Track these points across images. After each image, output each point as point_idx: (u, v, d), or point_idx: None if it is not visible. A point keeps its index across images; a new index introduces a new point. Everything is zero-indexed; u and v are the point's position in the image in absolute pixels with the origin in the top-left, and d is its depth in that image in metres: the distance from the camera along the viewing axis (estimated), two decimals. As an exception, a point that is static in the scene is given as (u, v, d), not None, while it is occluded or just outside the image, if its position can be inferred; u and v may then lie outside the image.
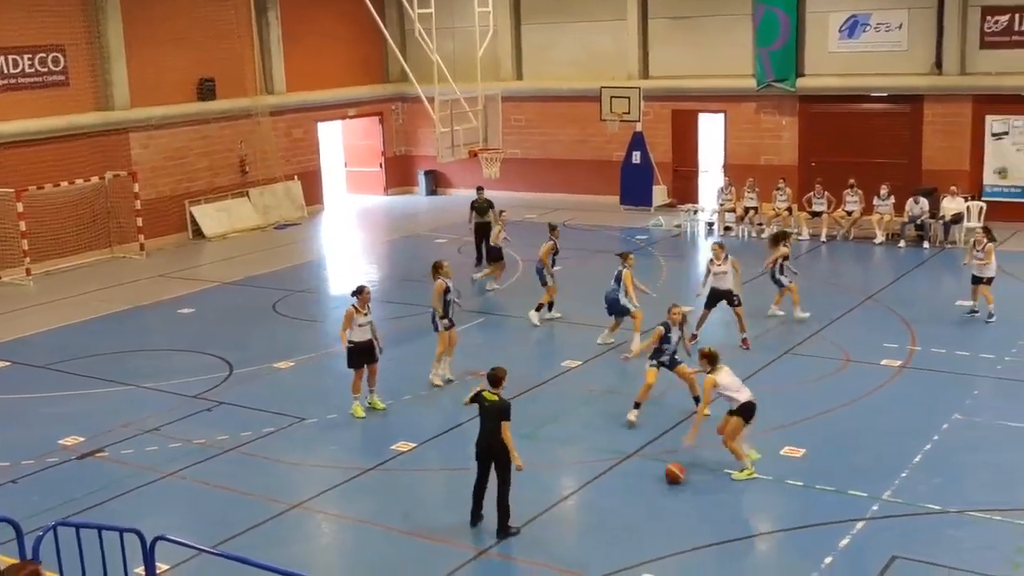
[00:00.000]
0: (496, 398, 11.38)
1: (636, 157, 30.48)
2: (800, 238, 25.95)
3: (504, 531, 11.31)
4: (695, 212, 28.52)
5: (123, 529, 8.72)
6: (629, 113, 29.68)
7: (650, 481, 12.65)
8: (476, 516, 11.60)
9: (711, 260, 17.91)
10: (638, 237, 26.02)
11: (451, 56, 26.22)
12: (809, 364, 16.70)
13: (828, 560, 10.62)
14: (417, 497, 12.68)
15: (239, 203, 29.73)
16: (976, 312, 18.68)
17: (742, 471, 12.55)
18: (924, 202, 25.22)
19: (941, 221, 25.16)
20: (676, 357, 14.56)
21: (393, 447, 13.91)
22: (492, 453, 11.31)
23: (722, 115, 30.26)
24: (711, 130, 31.10)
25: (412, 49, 30.07)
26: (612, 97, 29.83)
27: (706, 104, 30.45)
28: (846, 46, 28.26)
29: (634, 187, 30.50)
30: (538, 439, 14.01)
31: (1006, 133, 26.74)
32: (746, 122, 29.75)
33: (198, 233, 28.56)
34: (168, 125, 27.90)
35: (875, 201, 25.79)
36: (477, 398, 11.63)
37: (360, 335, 15.18)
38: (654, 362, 14.41)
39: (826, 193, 26.24)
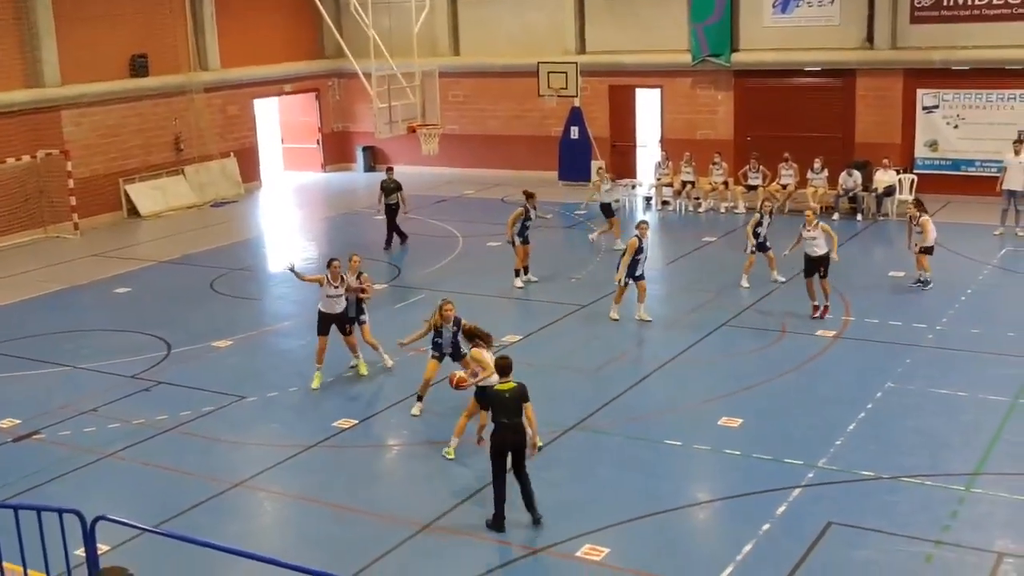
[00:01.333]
0: (512, 385, 10.98)
1: (574, 132, 30.58)
2: (736, 212, 26.29)
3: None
4: (633, 187, 28.69)
5: (62, 510, 8.64)
6: (567, 88, 29.75)
7: (591, 453, 12.79)
8: (500, 520, 10.96)
9: (803, 225, 18.03)
10: (577, 212, 26.14)
11: (387, 31, 26.08)
12: (746, 336, 16.93)
13: (766, 527, 10.82)
14: (361, 474, 12.70)
15: (175, 181, 29.37)
16: (926, 283, 19.03)
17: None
18: (857, 175, 25.62)
19: (874, 194, 25.57)
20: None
21: (335, 424, 13.91)
22: (509, 446, 10.89)
23: (659, 90, 30.42)
24: (648, 105, 31.27)
25: (348, 24, 29.87)
26: (549, 72, 29.87)
27: (643, 79, 30.59)
28: (780, 21, 28.53)
29: (573, 162, 30.61)
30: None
31: (936, 107, 27.19)
32: (682, 97, 29.95)
33: (133, 212, 28.19)
34: (101, 102, 27.46)
35: (809, 174, 26.14)
36: (486, 396, 11.26)
37: (328, 306, 15.27)
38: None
39: (761, 167, 26.54)
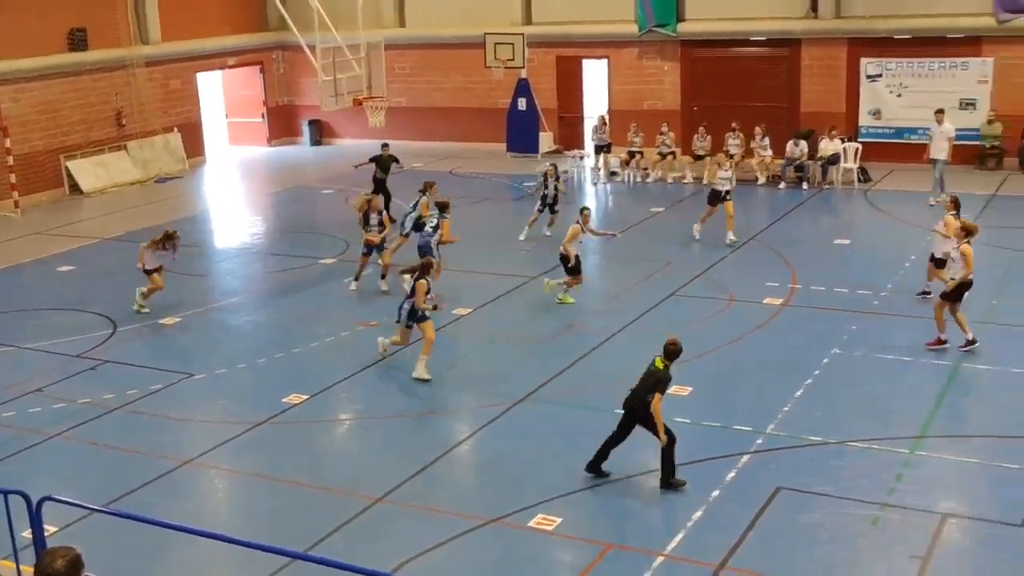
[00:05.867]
0: (660, 367, 10.99)
1: (522, 104, 30.50)
2: (685, 182, 26.44)
3: (667, 484, 11.06)
4: (581, 158, 28.71)
5: (7, 491, 8.52)
6: (513, 60, 29.65)
7: (543, 424, 12.84)
8: (594, 465, 11.29)
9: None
10: (525, 184, 26.10)
11: (332, 3, 25.80)
12: (695, 305, 17.04)
13: (716, 493, 10.94)
14: (311, 449, 12.64)
15: (117, 157, 28.91)
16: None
17: None
18: (803, 144, 25.82)
19: (819, 162, 25.79)
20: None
21: (285, 400, 13.83)
22: (635, 415, 11.03)
23: (605, 61, 30.42)
24: (595, 76, 31.26)
25: (292, -4, 29.50)
26: (496, 44, 29.75)
27: (589, 50, 30.58)
28: (725, -9, 28.58)
29: (520, 134, 30.55)
30: (431, 386, 14.11)
31: (880, 75, 27.45)
32: (629, 68, 29.97)
33: (75, 189, 27.72)
34: (39, 77, 26.91)
35: (753, 144, 26.32)
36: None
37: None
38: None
39: (709, 137, 26.68)
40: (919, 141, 24.87)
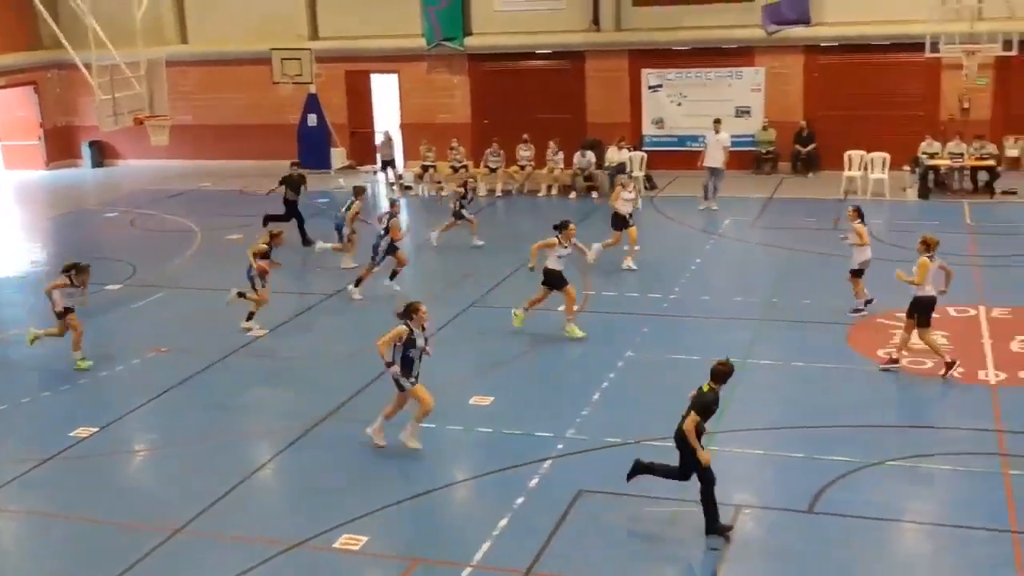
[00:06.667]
0: (705, 389, 10.23)
1: (312, 120, 30.20)
2: (480, 195, 26.69)
3: (713, 529, 10.28)
4: (375, 173, 28.61)
5: None
6: (301, 75, 29.36)
7: (344, 444, 12.69)
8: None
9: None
10: (320, 201, 25.80)
11: (108, 19, 24.80)
12: (493, 315, 17.21)
13: (520, 500, 11.06)
14: (103, 483, 12.11)
15: None
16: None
17: None
18: (591, 154, 26.49)
19: (607, 171, 26.49)
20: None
21: (73, 433, 13.20)
22: (678, 443, 10.30)
23: (395, 75, 30.44)
24: (386, 90, 31.23)
25: (65, 12, 28.23)
26: (283, 59, 29.40)
27: (379, 64, 30.55)
28: (510, 5, 29.08)
29: (312, 150, 30.17)
30: (228, 409, 13.79)
31: (660, 86, 28.46)
32: (419, 82, 30.09)
33: None
34: None
35: (547, 155, 26.85)
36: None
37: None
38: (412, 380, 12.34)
39: (501, 151, 27.10)
40: (700, 148, 25.88)
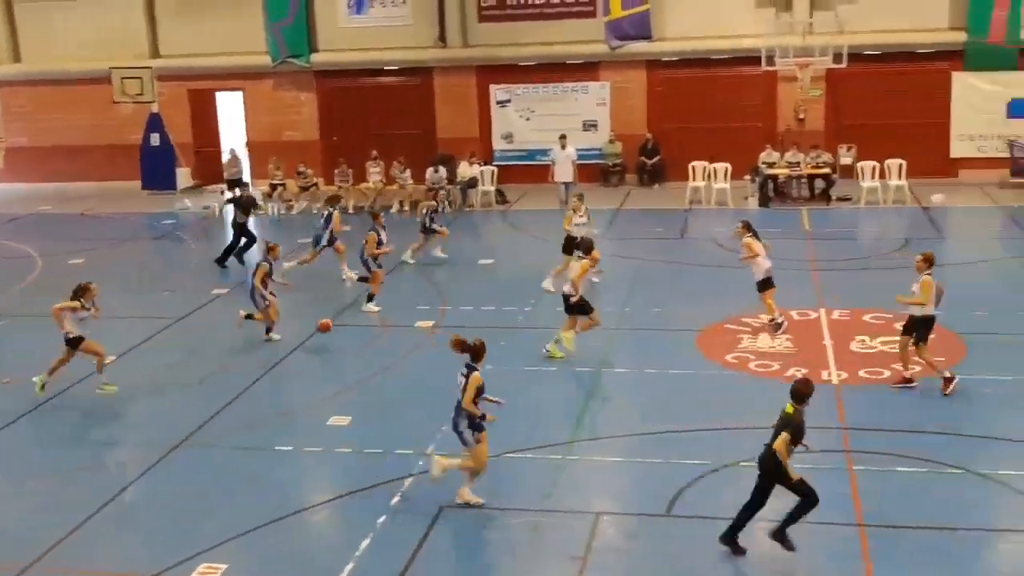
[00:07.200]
0: (791, 411, 9.82)
1: (155, 139, 29.51)
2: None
3: (780, 536, 10.02)
4: (223, 191, 28.10)
5: None
6: (142, 94, 28.69)
7: (201, 468, 12.40)
8: (729, 536, 10.09)
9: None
10: (166, 221, 25.22)
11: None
12: (350, 334, 17.07)
13: (382, 519, 10.98)
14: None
15: None
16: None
17: None
18: (443, 170, 26.56)
19: (459, 187, 26.62)
20: None
21: (-92, 473, 12.56)
22: (762, 466, 9.95)
23: (240, 93, 29.98)
24: (232, 108, 30.73)
25: None
26: (123, 78, 28.69)
27: (223, 82, 30.06)
28: (356, 21, 29.00)
29: (156, 170, 29.56)
30: (77, 441, 13.34)
31: (509, 101, 28.76)
32: (265, 99, 29.73)
33: None
34: None
35: (393, 172, 26.80)
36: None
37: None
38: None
39: (350, 171, 26.98)
40: (547, 162, 26.22)
